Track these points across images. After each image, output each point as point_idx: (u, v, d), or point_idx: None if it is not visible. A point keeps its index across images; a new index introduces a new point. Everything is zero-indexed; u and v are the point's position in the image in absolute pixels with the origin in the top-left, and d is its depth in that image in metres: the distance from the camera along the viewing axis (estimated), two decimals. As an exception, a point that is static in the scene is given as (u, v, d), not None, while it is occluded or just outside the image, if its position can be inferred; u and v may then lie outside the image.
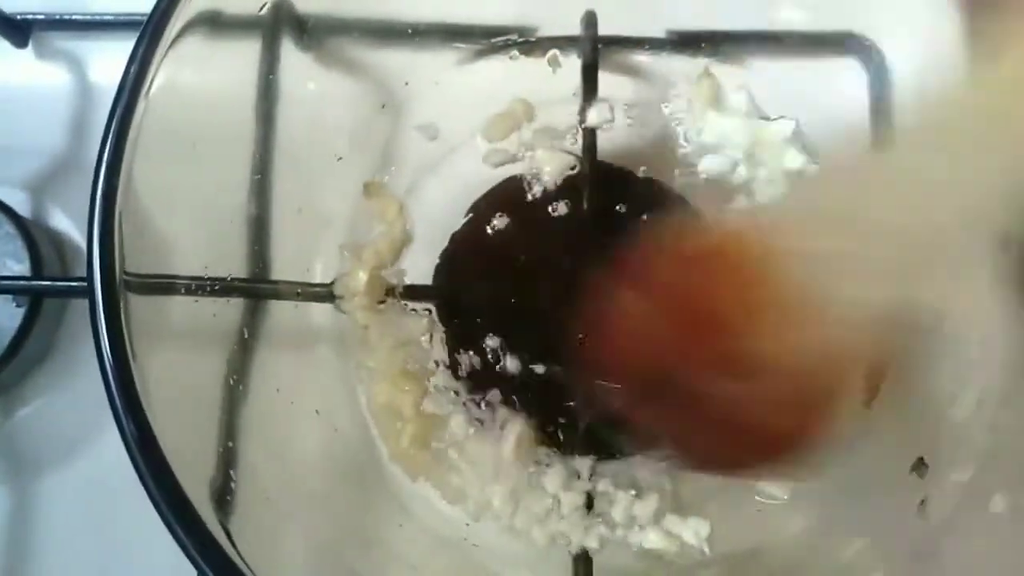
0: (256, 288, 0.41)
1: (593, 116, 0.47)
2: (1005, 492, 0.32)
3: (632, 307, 0.36)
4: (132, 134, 0.31)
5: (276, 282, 0.42)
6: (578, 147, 0.47)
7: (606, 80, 0.48)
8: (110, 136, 0.30)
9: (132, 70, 0.31)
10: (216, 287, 0.37)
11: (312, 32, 0.43)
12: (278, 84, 0.42)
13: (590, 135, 0.47)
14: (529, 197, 0.47)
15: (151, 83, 0.32)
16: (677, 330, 0.34)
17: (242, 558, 0.28)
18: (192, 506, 0.28)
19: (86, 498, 0.47)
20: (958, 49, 0.36)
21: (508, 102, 0.48)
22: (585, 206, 0.46)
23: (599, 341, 0.38)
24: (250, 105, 0.42)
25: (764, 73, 0.47)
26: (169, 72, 0.33)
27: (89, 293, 0.29)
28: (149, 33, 0.32)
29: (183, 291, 0.35)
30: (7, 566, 0.46)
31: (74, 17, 0.53)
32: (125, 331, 0.29)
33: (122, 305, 0.29)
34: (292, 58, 0.42)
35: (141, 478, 0.28)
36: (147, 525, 0.44)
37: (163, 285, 0.34)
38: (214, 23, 0.36)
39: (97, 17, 0.53)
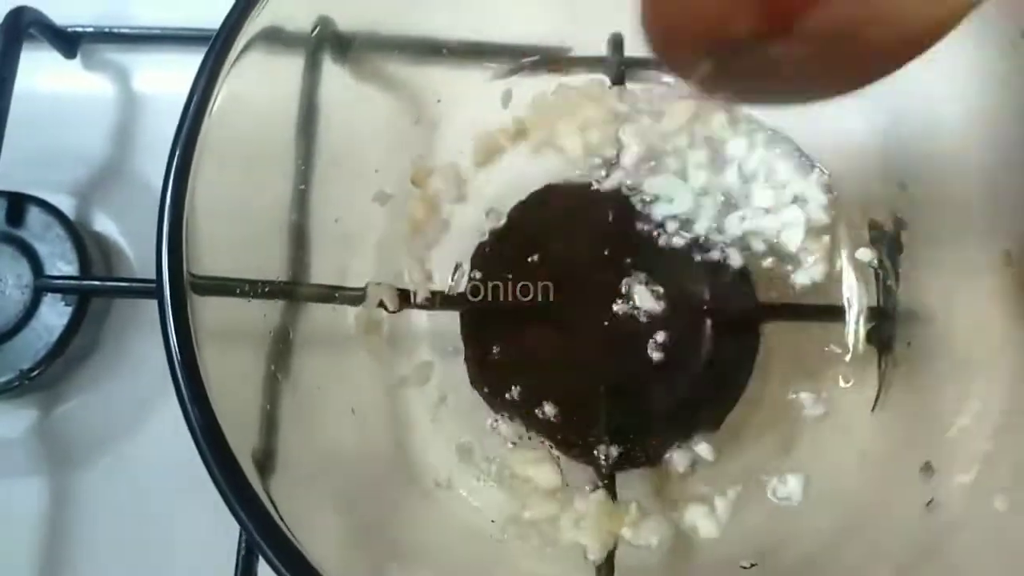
0: (300, 291, 0.43)
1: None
2: (1008, 491, 0.34)
3: None
4: (198, 143, 0.33)
5: (318, 286, 0.44)
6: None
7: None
8: (180, 144, 0.33)
9: (201, 81, 0.33)
10: (266, 289, 0.39)
11: (352, 49, 0.45)
12: (319, 98, 0.44)
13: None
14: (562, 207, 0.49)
15: (217, 94, 0.34)
16: None
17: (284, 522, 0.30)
18: (242, 471, 0.30)
19: (124, 491, 0.49)
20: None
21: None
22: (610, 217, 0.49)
23: None
24: (293, 118, 0.44)
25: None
26: (231, 85, 0.35)
27: (158, 292, 0.31)
28: (218, 47, 0.34)
29: (237, 292, 0.37)
30: (48, 556, 0.48)
31: (121, 30, 0.56)
32: (192, 327, 0.31)
33: (189, 303, 0.31)
34: (333, 73, 0.45)
35: (198, 446, 0.30)
36: (182, 515, 0.48)
37: (219, 287, 0.36)
38: (271, 39, 0.38)
39: (143, 30, 0.56)
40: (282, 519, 0.31)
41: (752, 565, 0.41)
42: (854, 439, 0.43)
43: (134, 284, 0.50)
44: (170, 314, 0.30)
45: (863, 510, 0.40)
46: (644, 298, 0.47)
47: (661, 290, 0.47)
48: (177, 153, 0.33)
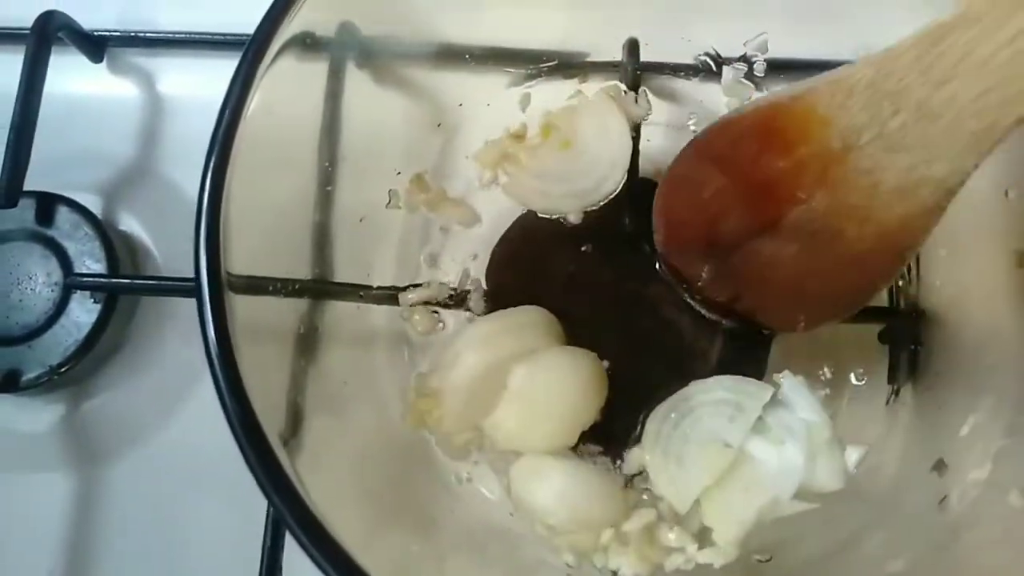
0: (326, 289, 0.44)
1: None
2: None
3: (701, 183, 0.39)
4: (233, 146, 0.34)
5: (344, 284, 0.45)
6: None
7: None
8: (216, 146, 0.34)
9: (236, 86, 0.34)
10: (295, 288, 0.40)
11: (375, 54, 0.46)
12: (343, 102, 0.45)
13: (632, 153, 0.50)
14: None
15: (252, 99, 0.35)
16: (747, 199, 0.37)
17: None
18: (277, 458, 0.31)
19: (151, 485, 0.51)
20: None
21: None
22: (627, 220, 0.49)
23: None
24: (319, 121, 0.44)
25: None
26: (264, 90, 0.36)
27: (197, 290, 0.32)
28: (252, 53, 0.35)
29: (270, 290, 0.38)
30: (76, 549, 0.50)
31: (146, 34, 0.57)
32: (229, 323, 0.32)
33: (227, 302, 0.32)
34: (356, 78, 0.45)
35: (236, 436, 0.31)
36: (208, 510, 0.49)
37: (252, 285, 0.37)
38: (301, 45, 0.39)
39: (167, 35, 0.57)
40: (313, 504, 0.31)
41: (768, 559, 0.42)
42: (867, 436, 0.43)
43: (162, 282, 0.52)
44: (209, 311, 0.31)
45: (877, 506, 0.41)
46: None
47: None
48: (214, 156, 0.33)
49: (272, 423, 0.33)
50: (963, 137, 0.32)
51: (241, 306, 0.35)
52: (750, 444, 0.41)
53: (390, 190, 0.49)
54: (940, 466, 0.39)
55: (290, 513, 0.30)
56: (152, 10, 0.59)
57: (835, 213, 0.35)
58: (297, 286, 0.41)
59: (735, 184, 0.38)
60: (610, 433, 0.45)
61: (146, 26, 0.57)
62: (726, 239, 0.39)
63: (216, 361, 0.31)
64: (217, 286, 0.32)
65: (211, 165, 0.33)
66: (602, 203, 0.49)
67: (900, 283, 0.46)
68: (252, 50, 0.35)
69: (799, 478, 0.40)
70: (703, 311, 0.46)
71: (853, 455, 0.41)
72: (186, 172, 0.55)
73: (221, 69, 0.36)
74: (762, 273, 0.39)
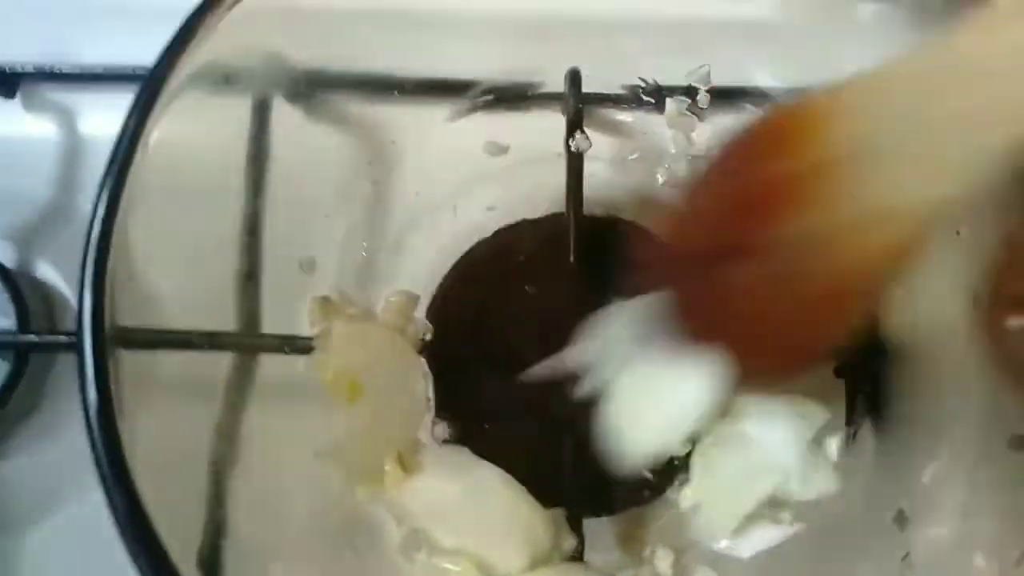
0: (245, 342, 0.41)
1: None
2: (988, 550, 0.32)
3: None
4: (128, 187, 0.32)
5: (264, 335, 0.42)
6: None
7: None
8: (105, 189, 0.31)
9: (131, 123, 0.32)
10: (207, 342, 0.37)
11: (303, 86, 0.44)
12: (269, 138, 0.43)
13: (575, 187, 0.47)
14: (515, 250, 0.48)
15: (148, 136, 0.32)
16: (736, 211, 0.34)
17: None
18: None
19: (67, 555, 0.47)
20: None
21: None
22: (571, 256, 0.47)
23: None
24: (241, 159, 0.42)
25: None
26: (167, 126, 0.33)
27: (78, 348, 0.29)
28: (150, 86, 0.32)
29: (174, 345, 0.35)
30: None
31: (63, 69, 0.53)
32: (113, 388, 0.29)
33: (111, 360, 0.29)
34: (283, 112, 0.43)
35: (123, 537, 0.28)
36: None
37: (154, 339, 0.34)
38: (213, 78, 0.36)
39: (86, 70, 0.53)
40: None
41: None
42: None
43: (71, 339, 0.47)
44: (90, 371, 0.28)
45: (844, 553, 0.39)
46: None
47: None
48: (103, 197, 0.31)
49: (175, 503, 0.30)
50: (964, 154, 0.30)
51: (137, 364, 0.32)
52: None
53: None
54: (901, 518, 0.37)
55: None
56: (70, 44, 0.55)
57: (823, 232, 0.32)
58: (209, 340, 0.38)
59: (734, 191, 0.35)
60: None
61: (63, 60, 0.54)
62: (717, 255, 0.35)
63: (95, 429, 0.28)
64: (99, 341, 0.29)
65: (99, 208, 0.30)
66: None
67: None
68: (151, 82, 0.32)
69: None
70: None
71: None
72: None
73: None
74: (741, 298, 0.35)
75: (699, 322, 0.36)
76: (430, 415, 0.45)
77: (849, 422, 0.43)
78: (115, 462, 0.28)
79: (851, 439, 0.43)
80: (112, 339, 0.30)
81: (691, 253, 0.36)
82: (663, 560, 0.41)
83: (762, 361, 0.37)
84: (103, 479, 0.28)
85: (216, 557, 0.33)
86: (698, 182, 0.38)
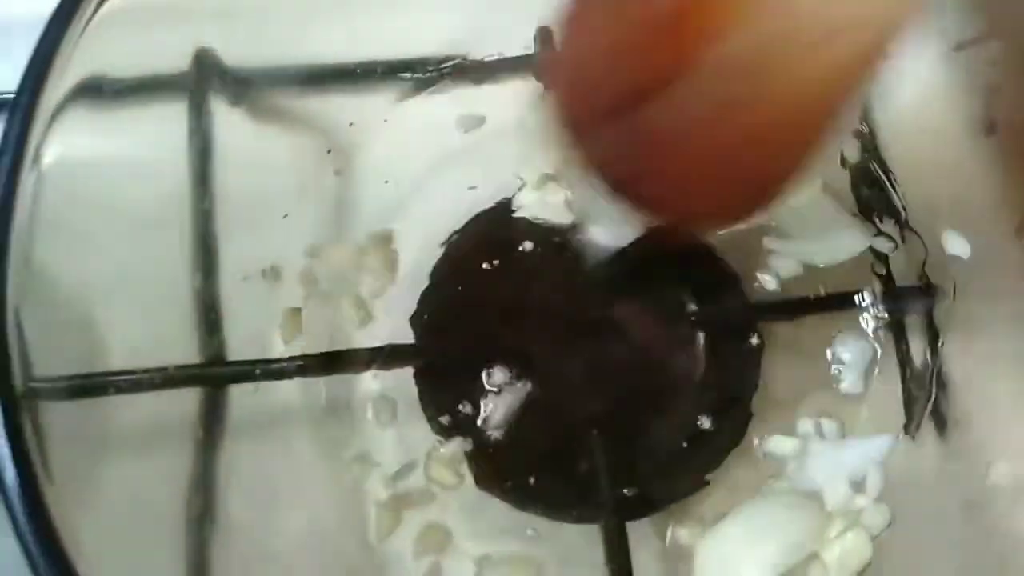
0: (206, 374, 0.35)
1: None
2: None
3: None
4: (22, 218, 0.26)
5: (230, 363, 0.37)
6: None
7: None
8: None
9: (8, 149, 0.27)
10: (156, 380, 0.32)
11: (242, 84, 0.39)
12: (212, 144, 0.38)
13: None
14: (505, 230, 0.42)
15: (38, 159, 0.28)
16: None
17: None
18: None
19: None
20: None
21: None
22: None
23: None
24: (182, 169, 0.37)
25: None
26: (64, 146, 0.29)
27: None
28: (21, 112, 0.27)
29: (114, 390, 0.30)
30: None
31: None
32: (35, 452, 0.23)
33: (26, 417, 0.23)
34: (223, 114, 0.38)
35: None
36: None
37: (88, 386, 0.28)
38: (111, 87, 0.32)
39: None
40: None
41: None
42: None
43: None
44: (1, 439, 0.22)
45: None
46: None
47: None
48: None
49: None
50: None
51: (74, 418, 0.26)
52: None
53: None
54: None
55: None
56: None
57: (751, 59, 0.26)
58: (159, 378, 0.32)
59: (636, 25, 0.29)
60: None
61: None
62: (629, 97, 0.29)
63: (16, 504, 0.22)
64: (8, 398, 0.23)
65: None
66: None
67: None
68: (20, 108, 0.27)
69: None
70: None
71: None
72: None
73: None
74: (671, 139, 0.29)
75: (632, 177, 0.31)
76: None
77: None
78: (49, 551, 0.22)
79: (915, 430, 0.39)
80: (29, 393, 0.24)
81: (595, 102, 0.30)
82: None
83: (712, 202, 0.31)
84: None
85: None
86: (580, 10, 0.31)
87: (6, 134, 0.27)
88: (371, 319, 0.41)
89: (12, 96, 0.44)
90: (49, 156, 0.28)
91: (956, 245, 0.38)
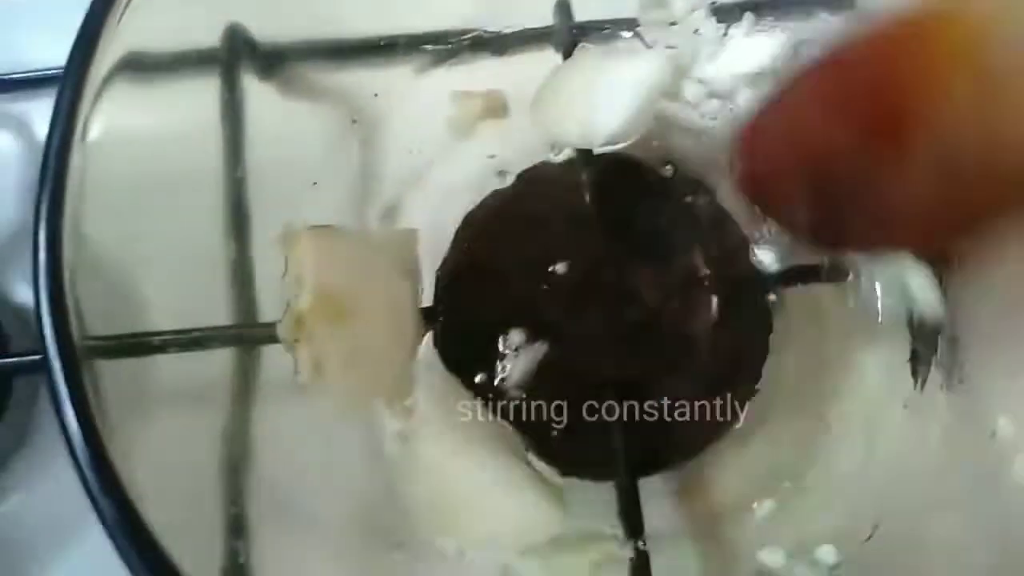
0: (240, 335, 0.37)
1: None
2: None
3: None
4: (73, 187, 0.28)
5: (255, 325, 0.38)
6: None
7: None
8: (45, 192, 0.27)
9: (59, 121, 0.28)
10: (196, 339, 0.33)
11: (271, 58, 0.41)
12: (243, 116, 0.39)
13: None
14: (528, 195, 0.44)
15: (85, 133, 0.29)
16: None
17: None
18: None
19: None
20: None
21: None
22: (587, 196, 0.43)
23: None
24: (215, 142, 0.39)
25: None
26: (108, 119, 0.30)
27: (45, 364, 0.25)
28: (72, 83, 0.29)
29: (159, 348, 0.32)
30: None
31: (15, 76, 0.50)
32: (92, 401, 0.25)
33: (86, 372, 0.25)
34: (254, 88, 0.40)
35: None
36: None
37: (134, 345, 0.30)
38: (150, 63, 0.33)
39: (39, 73, 0.49)
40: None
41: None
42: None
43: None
44: (63, 388, 0.24)
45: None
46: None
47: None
48: (44, 201, 0.27)
49: (186, 521, 0.27)
50: None
51: (121, 374, 0.28)
52: None
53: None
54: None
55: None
56: (18, 49, 0.51)
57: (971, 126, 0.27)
58: (198, 337, 0.34)
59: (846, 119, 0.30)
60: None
61: (13, 67, 0.50)
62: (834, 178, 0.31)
63: (78, 447, 0.24)
64: (68, 351, 0.25)
65: (42, 212, 0.27)
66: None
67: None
68: (71, 78, 0.28)
69: None
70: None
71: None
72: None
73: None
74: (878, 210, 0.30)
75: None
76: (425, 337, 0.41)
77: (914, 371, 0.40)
78: (110, 490, 0.24)
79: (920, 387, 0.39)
80: (86, 351, 0.26)
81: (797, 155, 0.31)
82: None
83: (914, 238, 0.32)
84: (99, 512, 0.24)
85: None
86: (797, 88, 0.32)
87: (57, 105, 0.29)
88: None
89: (61, 71, 0.47)
90: (94, 129, 0.30)
91: None
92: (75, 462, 0.24)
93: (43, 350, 0.25)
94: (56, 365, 0.25)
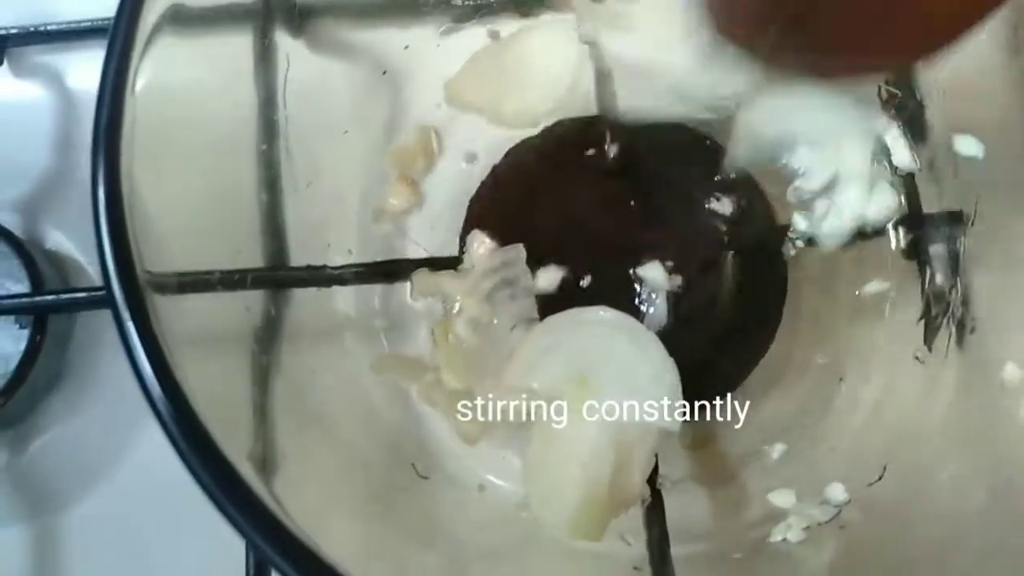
0: (280, 276, 0.39)
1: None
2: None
3: None
4: (126, 133, 0.29)
5: (299, 268, 0.40)
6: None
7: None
8: (101, 136, 0.28)
9: (111, 70, 0.29)
10: (238, 279, 0.35)
11: (305, 14, 0.42)
12: (275, 69, 0.40)
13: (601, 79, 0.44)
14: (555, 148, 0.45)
15: (134, 82, 0.30)
16: None
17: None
18: (241, 477, 0.26)
19: (115, 527, 0.45)
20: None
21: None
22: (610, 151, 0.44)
23: None
24: (249, 93, 0.40)
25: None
26: (154, 69, 0.31)
27: (108, 295, 0.26)
28: (122, 33, 0.30)
29: (206, 287, 0.33)
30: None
31: (49, 28, 0.50)
32: (157, 330, 0.26)
33: (148, 303, 0.26)
34: (287, 42, 0.41)
35: (184, 459, 0.26)
36: (181, 543, 0.43)
37: (186, 282, 0.32)
38: (190, 17, 0.34)
39: (72, 25, 0.50)
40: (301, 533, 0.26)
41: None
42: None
43: (93, 294, 0.43)
44: (128, 320, 0.26)
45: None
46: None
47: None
48: (100, 144, 0.28)
49: (231, 435, 0.27)
50: None
51: (174, 308, 0.29)
52: None
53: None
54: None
55: (262, 536, 0.25)
56: (52, 2, 0.52)
57: None
58: (242, 277, 0.35)
59: None
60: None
61: (47, 19, 0.50)
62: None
63: (149, 381, 0.25)
64: (134, 288, 0.26)
65: (100, 154, 0.28)
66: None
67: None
68: (121, 28, 0.29)
69: None
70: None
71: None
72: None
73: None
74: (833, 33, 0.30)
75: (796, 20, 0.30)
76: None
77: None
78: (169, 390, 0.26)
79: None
80: (146, 286, 0.27)
81: None
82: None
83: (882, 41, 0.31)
84: (157, 411, 0.26)
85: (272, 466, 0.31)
86: None
87: (109, 53, 0.30)
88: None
89: (92, 24, 0.48)
90: (141, 80, 0.30)
91: (970, 146, 0.39)
92: (140, 380, 0.26)
93: (106, 284, 0.26)
94: (119, 294, 0.26)
